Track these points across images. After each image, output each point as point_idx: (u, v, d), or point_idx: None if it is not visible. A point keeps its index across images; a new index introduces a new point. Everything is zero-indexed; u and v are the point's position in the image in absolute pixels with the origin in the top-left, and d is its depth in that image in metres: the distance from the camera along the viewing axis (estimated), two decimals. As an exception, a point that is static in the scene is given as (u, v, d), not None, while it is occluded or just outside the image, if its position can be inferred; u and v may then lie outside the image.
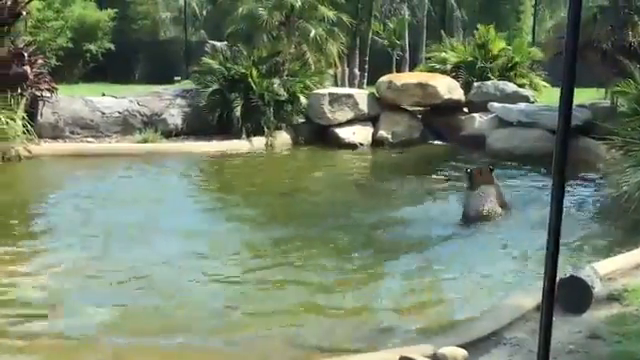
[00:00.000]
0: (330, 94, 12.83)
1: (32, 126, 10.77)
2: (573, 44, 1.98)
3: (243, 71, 12.53)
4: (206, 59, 13.11)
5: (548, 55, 14.20)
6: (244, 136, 11.94)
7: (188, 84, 13.86)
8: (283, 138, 12.40)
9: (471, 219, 7.35)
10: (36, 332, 4.47)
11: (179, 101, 12.56)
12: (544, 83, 15.14)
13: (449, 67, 14.89)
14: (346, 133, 12.59)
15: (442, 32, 18.93)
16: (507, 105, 12.46)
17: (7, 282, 5.33)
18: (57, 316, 4.75)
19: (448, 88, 13.26)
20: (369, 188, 9.71)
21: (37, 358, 4.21)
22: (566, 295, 4.36)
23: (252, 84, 12.34)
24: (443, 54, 15.55)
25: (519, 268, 5.98)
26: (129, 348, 4.30)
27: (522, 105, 12.55)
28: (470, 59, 14.99)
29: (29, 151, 10.35)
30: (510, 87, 13.52)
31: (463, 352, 3.86)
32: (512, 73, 14.82)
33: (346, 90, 14.18)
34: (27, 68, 11.18)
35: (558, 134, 2.06)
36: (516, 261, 6.20)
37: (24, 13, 11.85)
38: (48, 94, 11.57)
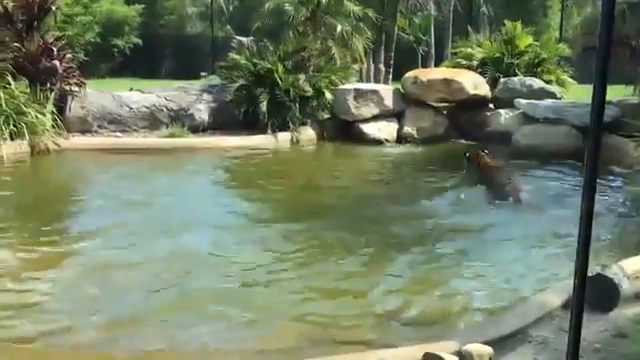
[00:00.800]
0: (355, 90, 12.84)
1: (61, 120, 10.89)
2: (607, 38, 1.96)
3: (269, 66, 12.58)
4: (232, 54, 13.19)
5: (575, 51, 14.10)
6: (270, 131, 11.99)
7: (214, 79, 13.94)
8: (308, 133, 12.44)
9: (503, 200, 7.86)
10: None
11: (205, 96, 12.65)
12: (571, 80, 15.03)
13: (475, 63, 14.83)
14: (371, 129, 12.59)
15: (468, 27, 18.83)
16: (533, 101, 12.39)
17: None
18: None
19: (474, 84, 13.20)
20: (395, 183, 9.72)
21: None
22: (593, 293, 4.35)
23: (278, 79, 12.39)
24: (469, 50, 15.49)
25: (548, 264, 5.97)
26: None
27: (548, 101, 12.47)
28: (496, 55, 14.91)
29: (58, 145, 10.47)
30: (537, 83, 13.43)
31: (488, 349, 3.84)
32: (539, 69, 14.72)
33: (371, 86, 14.18)
34: (56, 63, 11.33)
35: (590, 131, 2.05)
36: (546, 257, 6.17)
37: (53, 8, 11.98)
38: (77, 89, 11.68)
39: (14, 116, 10.09)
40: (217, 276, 5.49)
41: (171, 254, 5.95)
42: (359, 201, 8.37)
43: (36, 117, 10.32)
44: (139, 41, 21.43)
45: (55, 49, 11.46)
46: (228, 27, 25.16)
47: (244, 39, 14.01)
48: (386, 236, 6.75)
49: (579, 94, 13.99)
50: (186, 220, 7.07)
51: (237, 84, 12.46)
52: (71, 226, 7.22)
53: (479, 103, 13.32)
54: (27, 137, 10.15)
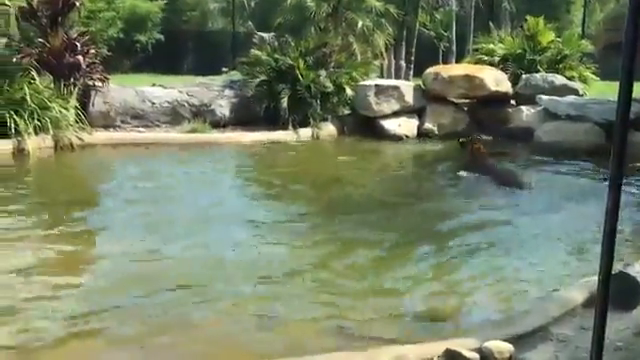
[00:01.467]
0: (376, 86, 12.83)
1: (84, 115, 10.98)
2: (633, 34, 1.96)
3: (290, 62, 12.61)
4: (254, 50, 13.24)
5: (598, 48, 13.99)
6: (290, 127, 12.03)
7: (236, 75, 14.00)
8: (329, 129, 12.46)
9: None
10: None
11: (227, 92, 12.71)
12: (593, 76, 14.92)
13: (497, 59, 14.77)
14: (391, 125, 12.59)
15: (490, 23, 18.74)
16: (555, 98, 12.32)
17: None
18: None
19: (495, 80, 13.16)
20: (416, 179, 9.73)
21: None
22: (615, 291, 4.34)
23: (299, 75, 12.42)
24: (491, 46, 15.42)
25: (572, 260, 5.96)
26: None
27: (571, 98, 12.40)
28: (518, 51, 14.84)
29: (81, 140, 10.56)
30: (559, 80, 13.35)
31: (509, 347, 3.85)
32: (561, 65, 14.63)
33: (392, 82, 14.17)
34: (80, 58, 11.40)
35: (616, 128, 2.05)
36: (569, 254, 6.17)
37: (77, 4, 12.07)
38: (100, 84, 11.76)
39: (38, 111, 10.16)
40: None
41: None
42: (378, 198, 8.39)
43: (60, 112, 10.39)
44: (161, 37, 21.56)
45: (79, 44, 11.53)
46: (249, 23, 25.25)
47: (265, 35, 14.08)
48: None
49: (602, 91, 13.91)
50: (218, 215, 7.16)
51: (258, 80, 12.51)
52: (97, 221, 7.26)
53: (500, 99, 13.27)
54: (51, 132, 10.24)
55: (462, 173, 9.27)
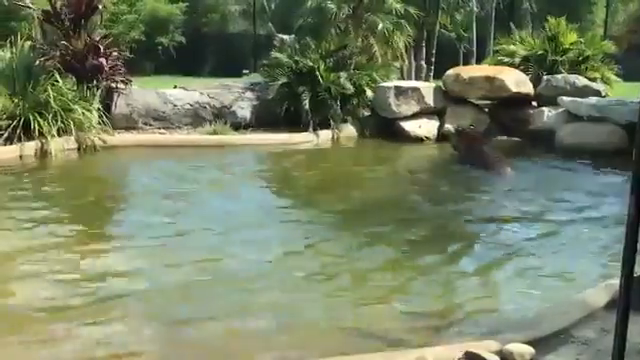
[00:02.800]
0: (396, 87, 12.82)
1: (107, 117, 11.09)
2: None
3: (311, 64, 12.66)
4: (275, 52, 13.30)
5: (621, 49, 13.88)
6: (311, 129, 12.07)
7: (256, 77, 14.06)
8: (349, 131, 12.49)
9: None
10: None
11: (248, 94, 12.78)
12: (616, 77, 14.81)
13: (517, 60, 14.70)
14: (412, 126, 12.58)
15: (511, 24, 18.66)
16: (577, 99, 12.24)
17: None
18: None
19: (516, 81, 13.09)
20: (436, 181, 9.73)
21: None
22: (637, 293, 4.32)
23: (319, 77, 12.46)
24: (511, 47, 15.35)
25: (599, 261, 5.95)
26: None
27: (593, 99, 12.31)
28: (540, 52, 14.76)
29: (104, 141, 10.68)
30: (581, 81, 13.25)
31: (530, 349, 3.84)
32: (583, 67, 14.53)
33: (412, 83, 14.16)
34: (103, 60, 11.49)
35: (638, 129, 2.05)
36: (595, 255, 6.15)
37: (100, 7, 12.19)
38: (122, 86, 11.88)
39: (62, 113, 10.27)
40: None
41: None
42: (399, 200, 8.40)
43: (83, 114, 10.50)
44: (182, 39, 21.72)
45: (101, 47, 11.62)
46: (270, 25, 25.34)
47: (286, 37, 14.12)
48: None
49: (624, 92, 13.80)
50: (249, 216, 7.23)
51: (279, 82, 12.55)
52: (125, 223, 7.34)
53: (522, 101, 13.20)
54: (74, 133, 10.37)
55: (457, 167, 9.70)
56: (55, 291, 4.96)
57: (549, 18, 15.76)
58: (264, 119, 12.46)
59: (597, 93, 12.91)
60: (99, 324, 4.47)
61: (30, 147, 9.89)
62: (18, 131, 9.86)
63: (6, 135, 9.87)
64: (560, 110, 12.40)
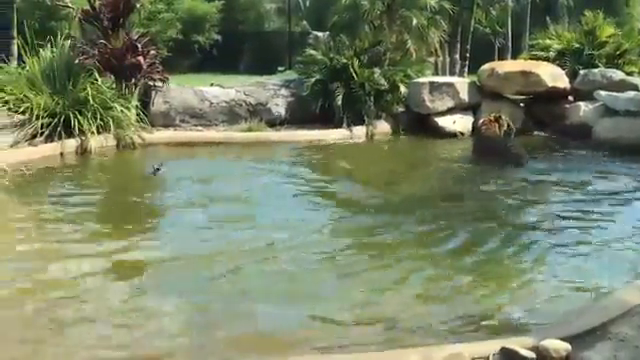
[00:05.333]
0: (430, 83, 12.80)
1: (145, 115, 11.25)
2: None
3: (345, 61, 12.70)
4: (309, 50, 13.37)
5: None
6: (345, 125, 12.12)
7: (291, 74, 14.15)
8: (383, 127, 12.50)
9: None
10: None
11: (283, 91, 12.86)
12: (654, 71, 14.61)
13: (553, 55, 14.57)
14: (446, 122, 12.55)
15: (546, 18, 18.48)
16: (614, 93, 12.09)
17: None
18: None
19: (552, 76, 12.98)
20: (471, 176, 9.73)
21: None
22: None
23: (353, 74, 12.49)
24: (547, 41, 15.22)
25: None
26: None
27: (630, 93, 12.14)
28: (576, 46, 14.62)
29: (142, 139, 10.83)
30: (618, 75, 13.08)
31: (566, 346, 3.85)
32: (621, 61, 14.37)
33: (447, 79, 14.11)
34: (141, 59, 11.63)
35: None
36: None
37: (138, 6, 12.38)
38: (160, 84, 12.03)
39: (101, 111, 10.41)
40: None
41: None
42: (438, 195, 8.43)
43: (122, 112, 10.64)
44: (219, 37, 21.89)
45: (139, 46, 11.76)
46: (304, 22, 25.43)
47: (320, 34, 14.18)
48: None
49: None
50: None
51: (313, 79, 12.61)
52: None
53: (558, 95, 13.09)
54: (113, 131, 10.51)
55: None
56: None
57: (585, 12, 15.59)
58: (299, 116, 12.54)
59: (634, 87, 12.72)
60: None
61: (70, 144, 10.07)
62: (59, 129, 10.03)
63: (47, 133, 10.06)
64: (597, 105, 12.27)
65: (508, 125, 10.21)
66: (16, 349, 4.13)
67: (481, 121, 10.72)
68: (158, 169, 8.57)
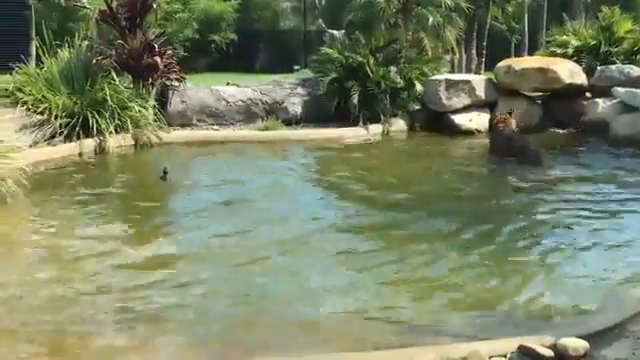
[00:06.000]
0: (446, 80, 12.78)
1: (162, 114, 11.32)
2: None
3: (360, 59, 12.70)
4: (325, 48, 13.38)
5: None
6: (361, 123, 12.14)
7: (307, 73, 14.16)
8: (399, 125, 12.50)
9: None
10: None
11: (299, 90, 12.89)
12: (673, 67, 14.46)
13: (570, 51, 14.49)
14: (462, 119, 12.52)
15: (563, 15, 18.36)
16: (632, 90, 12.01)
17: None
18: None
19: (570, 73, 12.91)
20: (491, 174, 9.72)
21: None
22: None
23: (369, 72, 12.50)
24: (564, 37, 15.13)
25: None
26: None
27: (649, 90, 12.09)
28: (593, 42, 14.53)
29: (159, 138, 10.91)
30: (636, 71, 12.97)
31: (584, 344, 3.84)
32: (639, 57, 14.25)
33: (463, 76, 14.09)
34: (157, 59, 11.68)
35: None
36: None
37: (154, 6, 12.43)
38: (177, 83, 12.09)
39: (119, 110, 10.49)
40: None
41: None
42: (457, 193, 8.43)
43: (139, 111, 10.71)
44: (235, 36, 21.98)
45: (156, 45, 11.81)
46: (320, 21, 25.45)
47: (336, 32, 14.18)
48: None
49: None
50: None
51: (329, 77, 12.63)
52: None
53: (575, 92, 13.02)
54: (131, 130, 10.60)
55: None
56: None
57: (603, 8, 15.48)
58: (315, 114, 12.56)
59: (653, 84, 12.66)
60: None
61: (89, 144, 10.16)
62: (77, 129, 10.13)
63: (66, 133, 10.16)
64: (615, 101, 12.20)
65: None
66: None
67: (495, 120, 10.67)
68: (165, 173, 8.39)
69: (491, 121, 11.20)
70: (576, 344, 3.84)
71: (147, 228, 6.87)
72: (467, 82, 12.86)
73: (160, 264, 5.64)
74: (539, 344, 3.86)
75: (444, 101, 12.59)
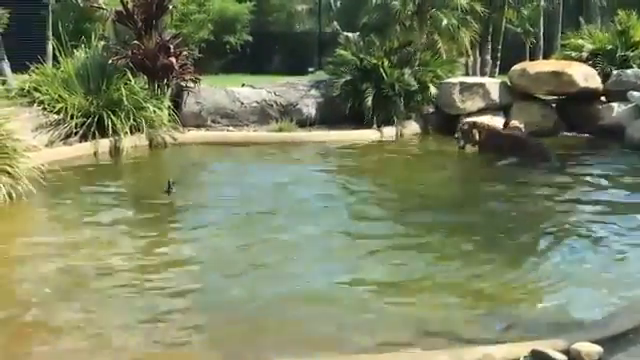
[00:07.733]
0: (461, 83, 12.77)
1: (177, 115, 11.38)
2: None
3: (375, 62, 12.71)
4: (339, 50, 13.40)
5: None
6: (375, 126, 12.15)
7: (321, 75, 14.17)
8: (413, 127, 12.52)
9: None
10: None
11: (313, 92, 12.91)
12: (689, 72, 14.35)
13: (585, 55, 14.41)
14: (476, 122, 12.49)
15: (579, 19, 18.26)
16: (648, 94, 11.98)
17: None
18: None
19: (585, 76, 12.84)
20: (505, 177, 9.70)
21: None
22: None
23: (383, 74, 12.51)
24: (579, 41, 15.05)
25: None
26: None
27: (664, 94, 12.02)
28: (609, 47, 14.45)
29: (174, 139, 10.98)
30: (652, 75, 12.94)
31: (598, 349, 3.83)
32: (655, 62, 14.15)
33: (477, 79, 14.05)
34: (173, 60, 11.74)
35: None
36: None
37: (170, 7, 12.50)
38: (192, 84, 12.15)
39: (134, 111, 10.56)
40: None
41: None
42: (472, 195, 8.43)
43: (154, 112, 10.78)
44: (250, 38, 22.08)
45: (172, 46, 11.88)
46: (335, 23, 25.48)
47: (351, 35, 14.17)
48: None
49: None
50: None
51: (343, 79, 12.65)
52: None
53: (590, 96, 12.95)
54: (146, 131, 10.67)
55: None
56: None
57: (619, 12, 15.39)
58: (329, 116, 12.59)
59: (669, 88, 12.58)
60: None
61: (104, 144, 10.24)
62: (92, 129, 10.22)
63: (81, 132, 10.24)
64: (630, 105, 12.14)
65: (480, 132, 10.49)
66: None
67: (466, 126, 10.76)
68: (170, 187, 7.85)
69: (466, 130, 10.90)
70: (589, 349, 3.83)
71: (161, 231, 6.88)
72: (481, 85, 12.83)
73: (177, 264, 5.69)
74: (552, 348, 3.85)
75: (458, 104, 12.58)
